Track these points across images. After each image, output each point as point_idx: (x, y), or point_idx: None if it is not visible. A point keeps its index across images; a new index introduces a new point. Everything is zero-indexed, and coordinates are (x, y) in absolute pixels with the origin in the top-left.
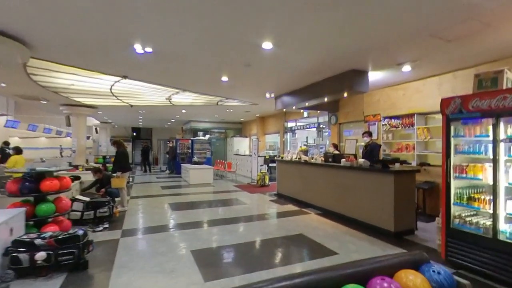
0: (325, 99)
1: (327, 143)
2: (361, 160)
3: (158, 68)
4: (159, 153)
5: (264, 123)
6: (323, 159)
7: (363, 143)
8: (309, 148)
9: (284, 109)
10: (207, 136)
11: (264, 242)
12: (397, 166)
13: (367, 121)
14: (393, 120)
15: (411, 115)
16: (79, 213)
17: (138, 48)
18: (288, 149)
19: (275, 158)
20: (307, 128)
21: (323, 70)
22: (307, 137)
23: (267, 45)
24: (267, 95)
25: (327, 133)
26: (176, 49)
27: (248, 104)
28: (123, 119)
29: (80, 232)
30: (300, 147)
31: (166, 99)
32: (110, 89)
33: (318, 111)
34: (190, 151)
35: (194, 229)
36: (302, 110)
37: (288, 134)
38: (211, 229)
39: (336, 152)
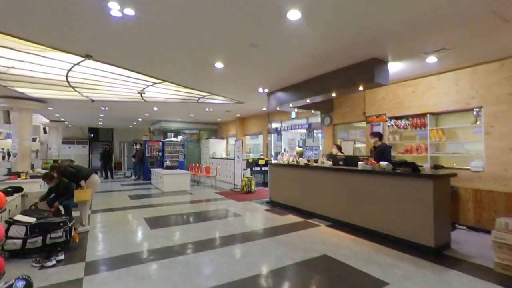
0: (333, 94)
1: (320, 145)
2: (383, 163)
3: (136, 44)
4: (122, 157)
5: (245, 123)
6: (331, 162)
7: (359, 145)
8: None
9: (278, 108)
10: (180, 138)
11: (287, 271)
12: (426, 169)
13: (370, 122)
14: (400, 121)
15: (422, 115)
16: (19, 242)
17: (114, 8)
18: (283, 151)
19: (268, 161)
20: (296, 129)
21: (340, 57)
22: (288, 139)
23: (294, 14)
24: (260, 90)
25: (320, 135)
26: (168, 14)
27: (232, 103)
28: (80, 117)
29: (20, 285)
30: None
31: (138, 93)
32: (66, 76)
33: (313, 111)
34: (160, 154)
35: (187, 255)
36: (295, 108)
37: (272, 135)
38: (210, 253)
39: (340, 154)
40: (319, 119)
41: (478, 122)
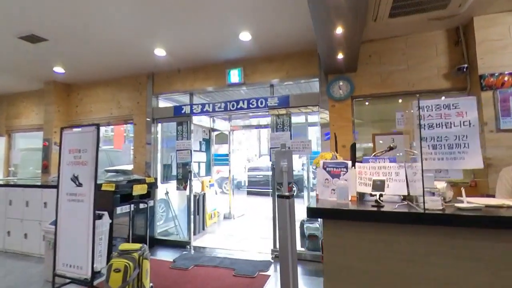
0: None
1: (317, 145)
2: None
3: None
4: None
5: (75, 97)
6: None
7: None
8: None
9: None
10: None
11: None
12: None
13: (493, 87)
14: None
15: None
16: None
17: None
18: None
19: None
20: (239, 110)
21: None
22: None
23: None
24: None
25: (311, 128)
26: None
27: None
28: None
29: None
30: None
31: None
32: None
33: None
34: None
35: None
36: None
37: (160, 126)
38: None
39: None
40: (309, 89)
41: None
